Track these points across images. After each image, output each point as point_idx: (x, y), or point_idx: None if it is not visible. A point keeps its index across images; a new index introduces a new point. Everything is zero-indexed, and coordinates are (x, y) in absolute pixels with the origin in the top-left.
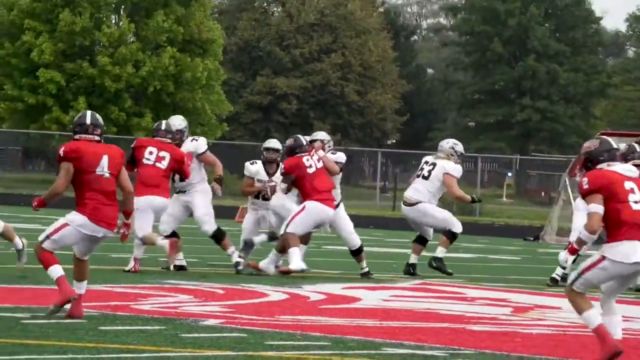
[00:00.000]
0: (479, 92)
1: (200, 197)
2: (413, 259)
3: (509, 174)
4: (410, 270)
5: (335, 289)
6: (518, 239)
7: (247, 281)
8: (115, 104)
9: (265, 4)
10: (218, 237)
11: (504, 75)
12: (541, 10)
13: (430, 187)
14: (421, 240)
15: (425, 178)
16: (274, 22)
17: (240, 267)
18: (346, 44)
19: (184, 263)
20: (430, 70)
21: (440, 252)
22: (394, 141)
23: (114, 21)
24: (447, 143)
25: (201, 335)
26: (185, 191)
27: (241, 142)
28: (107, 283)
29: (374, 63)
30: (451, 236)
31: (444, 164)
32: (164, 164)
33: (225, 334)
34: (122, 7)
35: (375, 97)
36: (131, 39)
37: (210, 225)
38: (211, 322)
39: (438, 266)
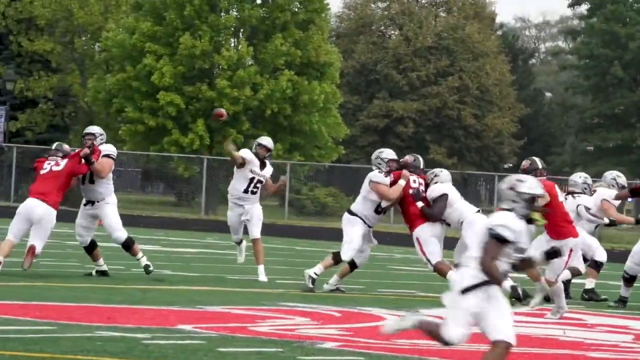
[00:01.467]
0: (598, 116)
1: (110, 208)
2: (588, 284)
3: (630, 199)
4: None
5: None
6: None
7: (364, 304)
8: (233, 127)
9: (382, 27)
10: (128, 244)
11: (624, 99)
12: None
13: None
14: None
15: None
16: (391, 45)
17: (151, 269)
18: (463, 67)
19: (105, 268)
20: (548, 94)
21: (590, 283)
22: (511, 165)
23: (232, 44)
24: (610, 174)
25: (318, 357)
26: (93, 203)
27: (357, 164)
28: (225, 305)
29: (491, 86)
30: (596, 265)
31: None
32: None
33: (342, 357)
34: (241, 30)
35: (492, 121)
36: (249, 62)
37: (121, 232)
38: (329, 345)
39: (590, 297)
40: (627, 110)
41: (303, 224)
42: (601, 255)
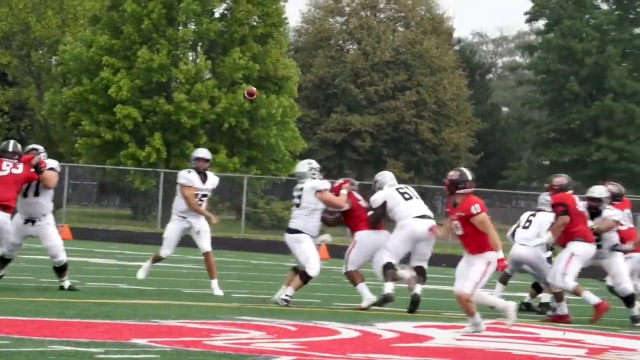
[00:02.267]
0: (554, 131)
1: (51, 229)
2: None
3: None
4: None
5: (408, 327)
6: (593, 279)
7: (320, 318)
8: (190, 140)
9: (340, 42)
10: (65, 267)
11: (580, 115)
12: (619, 49)
13: None
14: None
15: None
16: (349, 60)
17: (74, 288)
18: (421, 82)
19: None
20: (505, 109)
21: (545, 297)
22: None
23: (190, 58)
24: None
25: None
26: (34, 221)
27: (318, 176)
28: (180, 318)
29: (449, 101)
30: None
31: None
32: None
33: None
34: (199, 44)
35: (449, 135)
36: (207, 76)
37: (64, 255)
38: (283, 359)
39: (541, 310)
40: (583, 126)
41: (260, 237)
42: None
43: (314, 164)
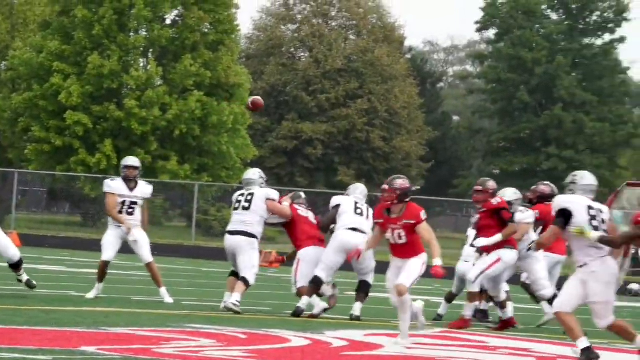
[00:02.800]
0: (505, 140)
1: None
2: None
3: None
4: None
5: (358, 335)
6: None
7: (270, 326)
8: (141, 147)
9: (292, 49)
10: (20, 263)
11: (530, 124)
12: (568, 59)
13: None
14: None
15: None
16: (300, 67)
17: (32, 284)
18: (372, 90)
19: None
20: (455, 118)
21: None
22: (419, 188)
23: (142, 64)
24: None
25: None
26: None
27: (266, 186)
28: (130, 326)
29: (400, 109)
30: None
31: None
32: None
33: None
34: (150, 50)
35: (400, 144)
36: (158, 83)
37: (16, 250)
38: None
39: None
40: (533, 135)
41: (210, 245)
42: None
43: (262, 173)
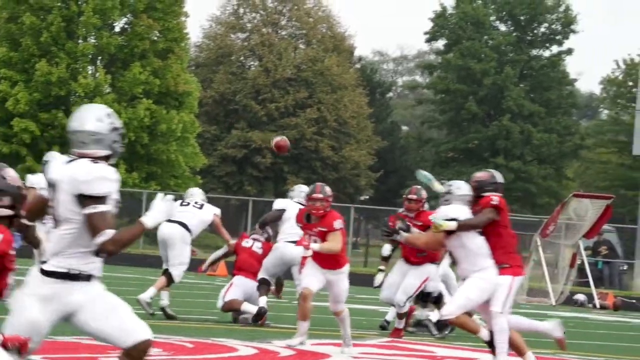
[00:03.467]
0: (453, 150)
1: None
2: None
3: None
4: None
5: (305, 345)
6: None
7: (217, 335)
8: None
9: (242, 58)
10: None
11: (478, 134)
12: (517, 70)
13: None
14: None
15: None
16: (250, 76)
17: None
18: (322, 99)
19: None
20: (404, 128)
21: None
22: (367, 197)
23: (90, 72)
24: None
25: None
26: None
27: (214, 194)
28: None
29: (349, 119)
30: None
31: None
32: None
33: None
34: (99, 58)
35: (349, 153)
36: (107, 90)
37: None
38: None
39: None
40: (481, 145)
41: (158, 253)
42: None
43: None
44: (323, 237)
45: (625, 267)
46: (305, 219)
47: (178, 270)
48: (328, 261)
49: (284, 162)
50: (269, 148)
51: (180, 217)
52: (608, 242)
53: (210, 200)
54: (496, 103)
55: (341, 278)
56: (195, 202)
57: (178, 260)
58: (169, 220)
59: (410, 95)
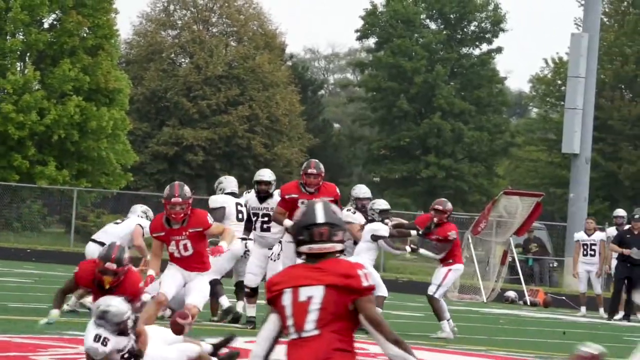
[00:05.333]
0: (385, 148)
1: None
2: None
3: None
4: None
5: (238, 342)
6: (421, 295)
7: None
8: (18, 152)
9: (172, 55)
10: None
11: (409, 132)
12: (447, 69)
13: None
14: None
15: None
16: (181, 73)
17: None
18: (253, 97)
19: None
20: (336, 125)
21: None
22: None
23: (19, 68)
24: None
25: None
26: None
27: (146, 192)
28: (6, 333)
29: (281, 116)
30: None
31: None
32: None
33: None
34: (28, 54)
35: (281, 150)
36: (36, 87)
37: None
38: None
39: None
40: (413, 143)
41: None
42: (383, 291)
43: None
44: (196, 239)
45: (555, 264)
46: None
47: None
48: (192, 264)
49: (216, 160)
50: (200, 146)
51: None
52: (538, 239)
53: (142, 198)
54: (427, 101)
55: (203, 279)
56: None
57: None
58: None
59: (342, 93)
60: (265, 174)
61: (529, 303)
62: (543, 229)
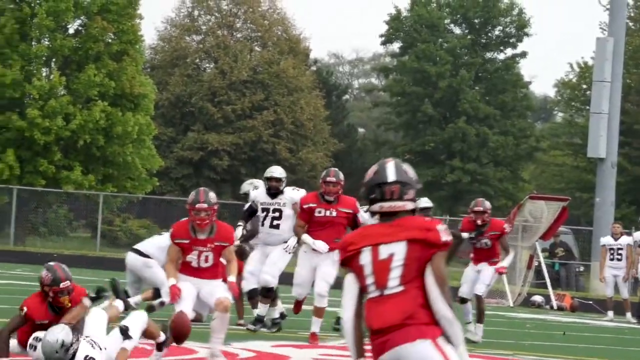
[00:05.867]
0: (410, 153)
1: None
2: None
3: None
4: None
5: (265, 346)
6: None
7: None
8: (44, 157)
9: (197, 60)
10: None
11: (434, 137)
12: (472, 73)
13: None
14: None
15: None
16: (205, 78)
17: None
18: (278, 102)
19: None
20: (361, 130)
21: None
22: None
23: (44, 74)
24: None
25: None
26: None
27: (171, 197)
28: None
29: (306, 121)
30: None
31: None
32: None
33: None
34: (53, 60)
35: (306, 155)
36: (62, 92)
37: None
38: None
39: None
40: (437, 148)
41: (115, 255)
42: None
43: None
44: (218, 253)
45: (581, 269)
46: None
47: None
48: (210, 274)
49: (241, 165)
50: (225, 150)
51: None
52: (565, 243)
53: (167, 203)
54: (452, 105)
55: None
56: None
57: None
58: None
59: (367, 98)
60: (276, 171)
61: (555, 307)
62: (569, 234)
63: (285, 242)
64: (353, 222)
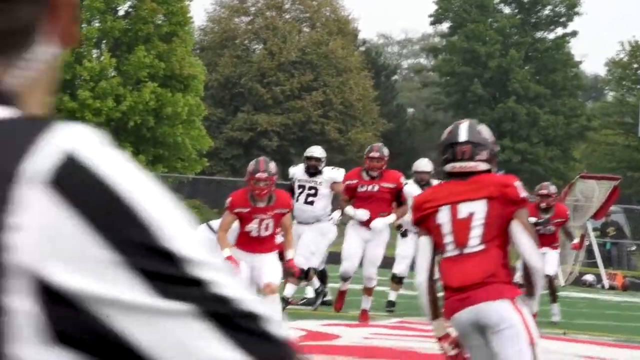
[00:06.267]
0: None
1: None
2: (392, 296)
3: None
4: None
5: (315, 325)
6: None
7: None
8: None
9: (246, 41)
10: None
11: (484, 117)
12: (521, 53)
13: None
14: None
15: None
16: (255, 59)
17: None
18: (327, 82)
19: None
20: (410, 110)
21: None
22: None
23: (95, 56)
24: None
25: None
26: None
27: (221, 177)
28: None
29: (355, 101)
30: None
31: None
32: None
33: None
34: (104, 42)
35: (355, 135)
36: (112, 74)
37: None
38: None
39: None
40: (488, 127)
41: None
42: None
43: None
44: (278, 220)
45: (633, 248)
46: (252, 201)
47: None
48: (266, 246)
49: (290, 145)
50: (274, 131)
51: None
52: (616, 223)
53: (217, 183)
54: (502, 85)
55: (273, 256)
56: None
57: None
58: None
59: (416, 78)
60: (316, 151)
61: (607, 286)
62: (621, 213)
63: (318, 220)
64: (397, 196)
